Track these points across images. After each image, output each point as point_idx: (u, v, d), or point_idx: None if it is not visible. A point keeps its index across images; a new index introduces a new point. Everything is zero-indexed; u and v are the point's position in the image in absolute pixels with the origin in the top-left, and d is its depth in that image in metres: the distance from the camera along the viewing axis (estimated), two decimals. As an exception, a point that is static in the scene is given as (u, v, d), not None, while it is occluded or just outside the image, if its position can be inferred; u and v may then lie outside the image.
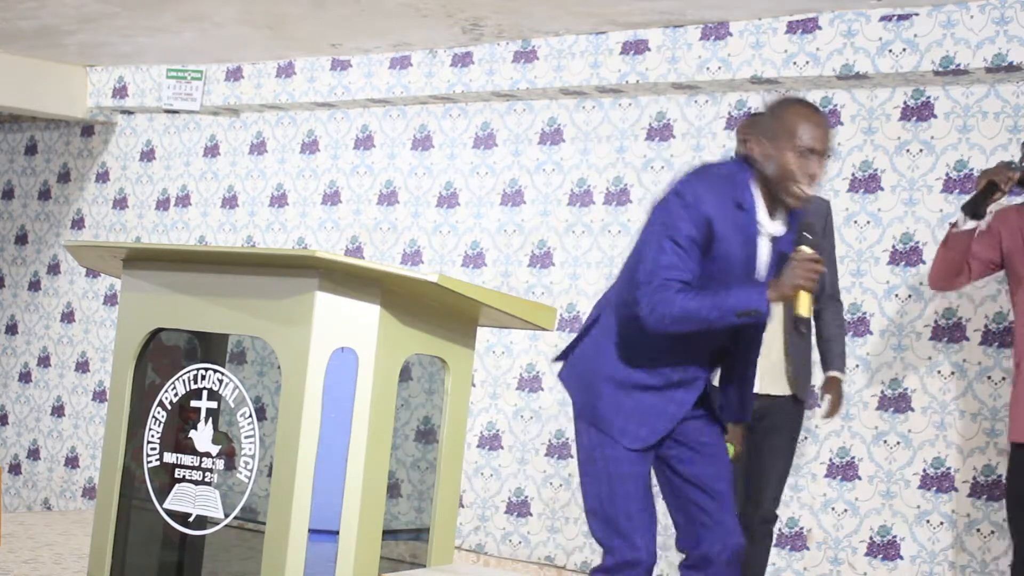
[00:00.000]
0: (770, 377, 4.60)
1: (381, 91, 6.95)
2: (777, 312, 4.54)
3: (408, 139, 7.01)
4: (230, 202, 7.68)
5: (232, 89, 7.59)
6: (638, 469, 3.53)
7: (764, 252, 3.45)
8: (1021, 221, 4.41)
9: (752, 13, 5.73)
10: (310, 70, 7.27)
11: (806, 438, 5.59)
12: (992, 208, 4.38)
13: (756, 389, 4.46)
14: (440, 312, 3.39)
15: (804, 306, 3.35)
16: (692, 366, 3.51)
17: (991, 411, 5.26)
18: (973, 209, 4.33)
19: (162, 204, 7.99)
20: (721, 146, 5.98)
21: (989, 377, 5.28)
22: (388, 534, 3.48)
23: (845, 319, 5.43)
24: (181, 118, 7.97)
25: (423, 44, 6.73)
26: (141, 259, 3.64)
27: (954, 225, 4.41)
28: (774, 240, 3.46)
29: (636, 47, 6.11)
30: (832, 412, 4.83)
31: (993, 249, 4.45)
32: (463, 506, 6.49)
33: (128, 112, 8.16)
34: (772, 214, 3.44)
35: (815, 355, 4.82)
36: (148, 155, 8.11)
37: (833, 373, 4.77)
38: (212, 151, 7.82)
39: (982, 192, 4.30)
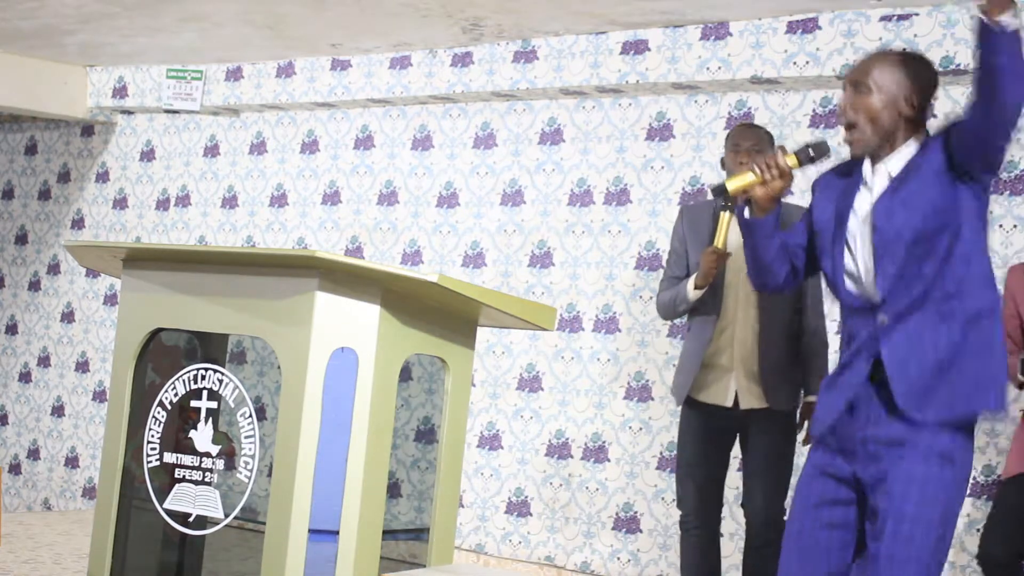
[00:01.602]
0: (749, 390, 4.56)
1: (381, 91, 6.95)
2: (745, 322, 4.56)
3: (408, 139, 7.01)
4: (230, 202, 7.68)
5: (232, 89, 7.59)
6: (823, 527, 3.19)
7: (864, 202, 3.24)
8: None
9: (752, 13, 5.73)
10: (310, 70, 7.27)
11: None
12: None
13: (734, 403, 4.56)
14: (440, 312, 3.39)
15: (735, 181, 3.30)
16: (853, 335, 3.24)
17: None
18: None
19: (162, 204, 7.99)
20: (721, 146, 5.98)
21: (989, 377, 5.27)
22: (388, 534, 3.48)
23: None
24: (181, 118, 7.97)
25: (423, 44, 6.73)
26: (141, 259, 3.64)
27: None
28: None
29: (636, 47, 6.11)
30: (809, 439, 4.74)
31: (1012, 316, 4.51)
32: (463, 506, 6.49)
33: (128, 112, 8.16)
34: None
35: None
36: (148, 155, 8.11)
37: (812, 398, 4.61)
38: (212, 151, 7.82)
39: None
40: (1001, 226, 5.16)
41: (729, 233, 4.44)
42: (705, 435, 4.68)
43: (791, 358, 4.61)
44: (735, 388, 4.55)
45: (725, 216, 4.43)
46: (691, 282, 4.54)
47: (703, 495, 4.70)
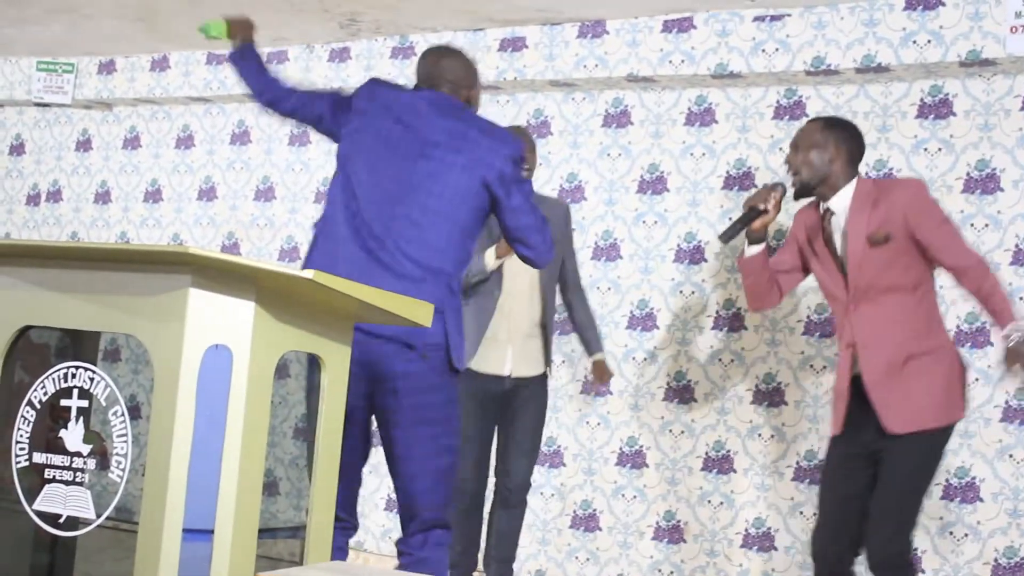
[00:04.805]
0: (523, 359, 4.98)
1: (258, 86, 6.88)
2: (521, 296, 4.95)
3: (285, 134, 6.96)
4: (103, 197, 7.55)
5: (105, 83, 7.46)
6: None
7: None
8: (807, 219, 4.26)
9: (628, 12, 5.78)
10: (185, 64, 7.17)
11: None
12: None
13: (510, 372, 4.98)
14: (316, 309, 3.37)
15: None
16: None
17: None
18: (729, 237, 4.13)
19: (32, 199, 7.83)
20: (598, 143, 6.03)
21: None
22: (267, 532, 3.46)
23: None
24: (52, 111, 7.81)
25: (300, 39, 6.69)
26: (8, 255, 3.57)
27: (741, 253, 4.27)
28: None
29: (514, 44, 6.13)
30: (604, 380, 5.30)
31: (795, 255, 4.31)
32: (342, 504, 6.45)
33: (-3, 105, 7.98)
34: None
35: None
36: (18, 149, 7.94)
37: (598, 356, 5.26)
38: (84, 145, 7.68)
39: (740, 219, 4.16)
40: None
41: None
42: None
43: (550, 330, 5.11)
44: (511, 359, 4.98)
45: None
46: (491, 251, 4.83)
47: (479, 462, 5.05)
